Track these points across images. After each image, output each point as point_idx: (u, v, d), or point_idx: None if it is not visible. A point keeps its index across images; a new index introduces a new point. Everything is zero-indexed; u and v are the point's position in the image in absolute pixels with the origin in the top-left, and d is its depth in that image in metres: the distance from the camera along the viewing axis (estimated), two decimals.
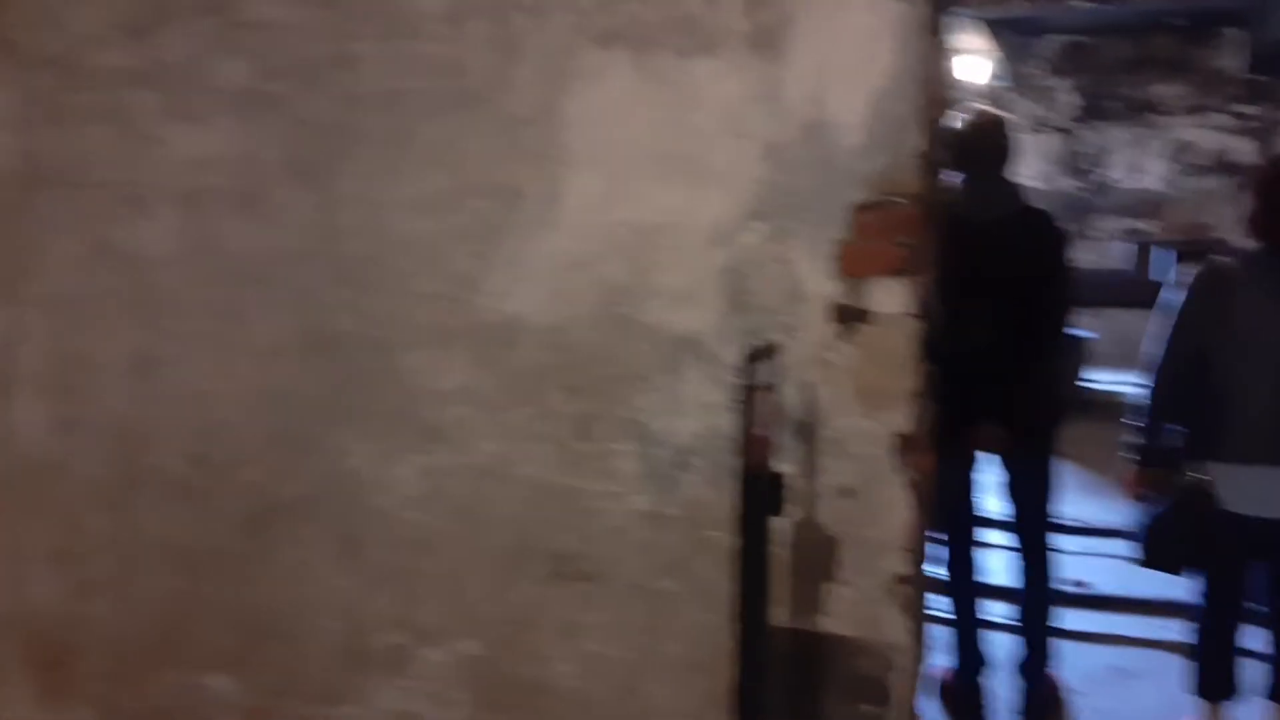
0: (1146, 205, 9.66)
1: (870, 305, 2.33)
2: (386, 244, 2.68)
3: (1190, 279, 3.14)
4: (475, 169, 2.61)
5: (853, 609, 2.41)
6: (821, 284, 2.36)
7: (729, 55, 2.38)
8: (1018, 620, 3.58)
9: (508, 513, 2.63)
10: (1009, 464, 3.44)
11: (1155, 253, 8.76)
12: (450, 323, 2.64)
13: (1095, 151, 9.95)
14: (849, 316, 2.34)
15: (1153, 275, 8.75)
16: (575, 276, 2.55)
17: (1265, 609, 3.18)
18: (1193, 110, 9.88)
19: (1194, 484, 3.09)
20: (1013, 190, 3.45)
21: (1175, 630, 4.20)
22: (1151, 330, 3.19)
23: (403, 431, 2.70)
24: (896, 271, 2.32)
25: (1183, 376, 3.13)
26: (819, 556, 2.42)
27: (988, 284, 3.22)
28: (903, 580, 2.38)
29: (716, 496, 2.47)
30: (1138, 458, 3.24)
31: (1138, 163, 9.89)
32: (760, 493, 2.07)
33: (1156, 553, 3.19)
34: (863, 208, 2.32)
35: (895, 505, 2.37)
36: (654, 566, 2.54)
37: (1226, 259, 3.17)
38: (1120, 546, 5.16)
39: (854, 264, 2.34)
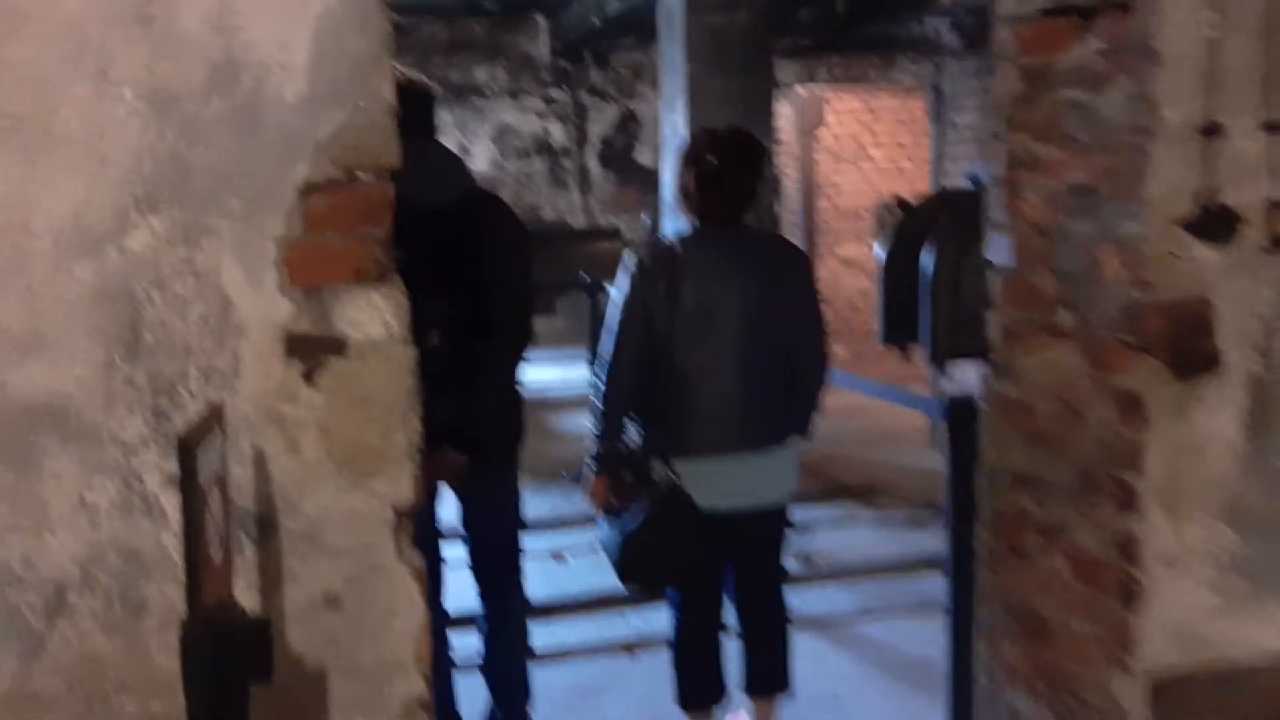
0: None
1: (341, 329, 1.61)
2: None
3: (632, 265, 2.83)
4: None
5: None
6: (264, 304, 1.58)
7: None
8: (483, 664, 3.08)
9: None
10: (467, 490, 2.90)
11: None
12: None
13: None
14: (312, 348, 1.60)
15: None
16: None
17: (738, 601, 3.02)
18: (510, 94, 10.15)
19: (664, 486, 2.81)
20: (458, 170, 2.88)
21: (620, 626, 4.03)
22: (606, 324, 2.85)
23: None
24: (369, 277, 1.63)
25: (636, 371, 2.82)
26: (299, 702, 1.66)
27: (432, 282, 2.64)
28: (421, 706, 1.72)
29: (122, 647, 1.59)
30: (598, 464, 2.88)
31: (466, 145, 9.93)
32: (230, 649, 1.28)
33: (635, 570, 2.86)
34: (314, 188, 1.59)
35: (400, 607, 1.68)
36: None
37: (666, 240, 2.92)
38: (535, 543, 4.97)
39: (308, 271, 1.60)
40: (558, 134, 10.24)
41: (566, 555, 4.76)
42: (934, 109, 6.37)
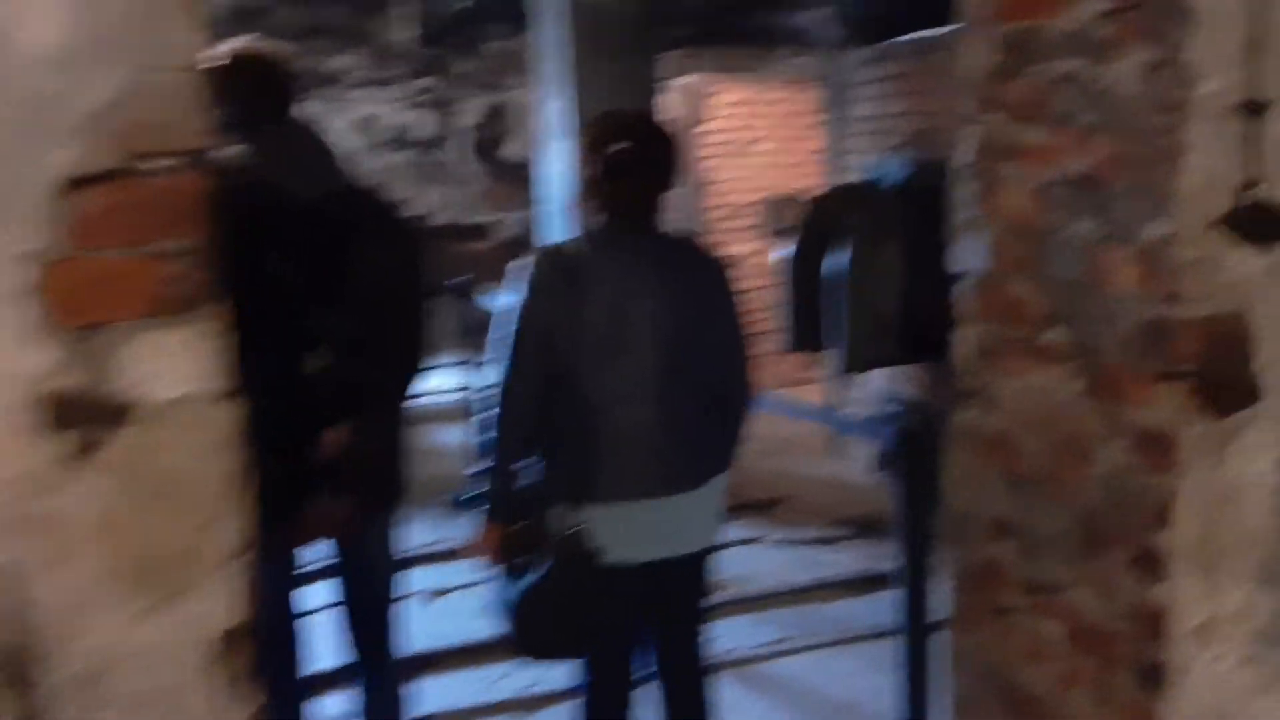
0: None
1: (129, 386, 1.12)
2: None
3: (524, 274, 2.36)
4: None
5: None
6: (12, 353, 1.08)
7: None
8: None
9: None
10: (343, 544, 2.43)
11: None
12: None
13: None
14: (88, 415, 1.10)
15: None
16: None
17: (657, 668, 2.59)
18: (373, 83, 9.50)
19: (567, 537, 2.36)
20: (329, 157, 2.38)
21: (512, 680, 3.57)
22: (495, 344, 2.38)
23: None
24: (170, 309, 1.14)
25: (533, 399, 2.36)
26: None
27: (313, 290, 2.18)
28: None
29: None
30: (489, 510, 2.42)
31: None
32: None
33: (532, 638, 2.40)
34: (82, 181, 1.09)
35: None
36: None
37: (566, 243, 2.46)
38: (408, 580, 4.45)
39: (79, 302, 1.10)
40: (423, 126, 9.63)
41: (443, 594, 4.25)
42: (829, 101, 6.05)
